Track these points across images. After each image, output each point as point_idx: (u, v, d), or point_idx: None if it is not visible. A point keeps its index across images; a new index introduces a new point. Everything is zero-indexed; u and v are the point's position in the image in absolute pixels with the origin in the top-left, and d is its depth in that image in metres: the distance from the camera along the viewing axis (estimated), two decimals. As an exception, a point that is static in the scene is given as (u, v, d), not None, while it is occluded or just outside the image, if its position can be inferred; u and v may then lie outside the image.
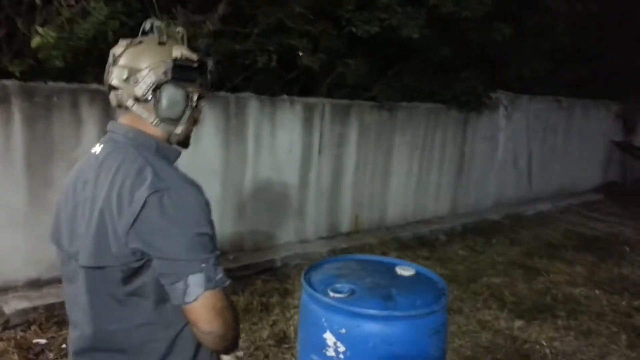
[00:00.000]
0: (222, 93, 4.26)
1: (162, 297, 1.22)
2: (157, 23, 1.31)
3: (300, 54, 4.00)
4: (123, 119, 1.32)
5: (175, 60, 1.26)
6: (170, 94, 1.28)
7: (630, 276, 5.00)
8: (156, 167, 1.22)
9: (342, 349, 1.95)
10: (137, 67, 1.26)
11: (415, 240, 5.54)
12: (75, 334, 1.34)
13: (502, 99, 6.95)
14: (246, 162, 4.57)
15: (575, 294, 4.47)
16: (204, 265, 1.17)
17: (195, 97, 1.33)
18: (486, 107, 6.64)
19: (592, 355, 3.46)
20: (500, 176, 7.18)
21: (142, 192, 1.15)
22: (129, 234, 1.15)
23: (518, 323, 3.84)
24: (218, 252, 1.24)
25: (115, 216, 1.17)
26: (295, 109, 4.81)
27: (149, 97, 1.27)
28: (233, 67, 4.39)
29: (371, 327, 1.92)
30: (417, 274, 2.27)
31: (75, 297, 1.31)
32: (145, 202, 1.15)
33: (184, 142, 1.40)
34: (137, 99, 1.27)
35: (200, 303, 1.17)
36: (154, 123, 1.30)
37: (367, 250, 4.95)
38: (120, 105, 1.31)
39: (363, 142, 5.38)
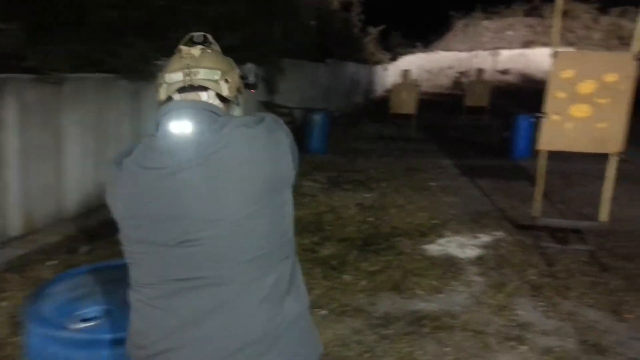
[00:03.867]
0: None
1: None
2: (209, 36, 1.37)
3: None
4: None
5: (252, 68, 1.42)
6: (243, 98, 1.40)
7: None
8: None
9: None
10: (225, 70, 1.32)
11: (105, 227, 4.96)
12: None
13: (167, 67, 6.75)
14: None
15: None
16: None
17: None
18: (154, 76, 6.34)
19: (301, 294, 3.81)
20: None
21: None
22: None
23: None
24: None
25: None
26: None
27: (231, 98, 1.34)
28: None
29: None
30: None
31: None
32: None
33: None
34: (223, 99, 1.32)
35: None
36: None
37: (51, 251, 4.21)
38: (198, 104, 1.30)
39: (27, 124, 4.40)
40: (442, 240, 4.99)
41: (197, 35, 1.36)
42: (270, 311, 1.20)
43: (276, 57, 10.34)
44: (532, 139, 9.09)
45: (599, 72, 4.68)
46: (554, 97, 4.77)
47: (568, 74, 4.76)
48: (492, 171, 8.23)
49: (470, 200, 6.51)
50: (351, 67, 20.41)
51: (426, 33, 36.83)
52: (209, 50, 1.34)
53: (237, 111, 1.38)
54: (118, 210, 1.23)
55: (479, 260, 4.48)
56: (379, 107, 18.73)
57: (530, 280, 4.04)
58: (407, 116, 12.80)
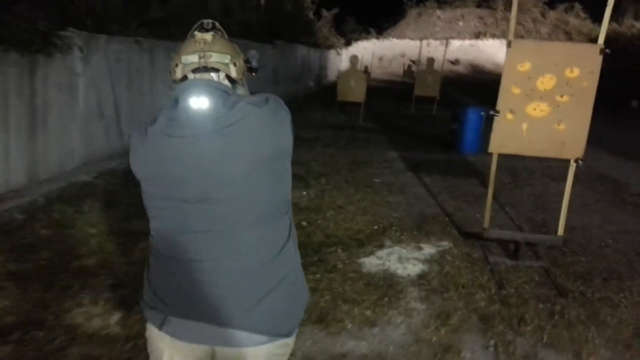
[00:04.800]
0: None
1: None
2: (217, 23, 1.48)
3: None
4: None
5: (255, 54, 1.55)
6: (246, 80, 1.55)
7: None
8: None
9: None
10: (233, 55, 1.46)
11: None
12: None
13: (75, 39, 5.69)
14: None
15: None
16: None
17: None
18: (57, 49, 5.29)
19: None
20: (85, 129, 6.04)
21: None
22: None
23: (116, 316, 3.06)
24: None
25: None
26: None
27: (237, 79, 1.48)
28: None
29: None
30: None
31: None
32: None
33: None
34: (230, 79, 1.47)
35: None
36: None
37: None
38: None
39: None
40: (381, 252, 4.29)
41: (207, 22, 1.46)
42: (273, 258, 1.42)
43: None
44: (482, 132, 8.62)
45: (560, 65, 4.05)
46: (508, 92, 4.13)
47: (525, 66, 4.11)
48: (440, 166, 7.64)
49: (416, 201, 5.87)
50: (302, 51, 19.47)
51: (380, 20, 36.21)
52: (218, 36, 1.47)
53: (241, 90, 1.50)
54: (143, 171, 1.39)
55: (421, 280, 3.80)
56: (330, 92, 17.94)
57: (479, 308, 3.39)
58: (356, 104, 12.05)
